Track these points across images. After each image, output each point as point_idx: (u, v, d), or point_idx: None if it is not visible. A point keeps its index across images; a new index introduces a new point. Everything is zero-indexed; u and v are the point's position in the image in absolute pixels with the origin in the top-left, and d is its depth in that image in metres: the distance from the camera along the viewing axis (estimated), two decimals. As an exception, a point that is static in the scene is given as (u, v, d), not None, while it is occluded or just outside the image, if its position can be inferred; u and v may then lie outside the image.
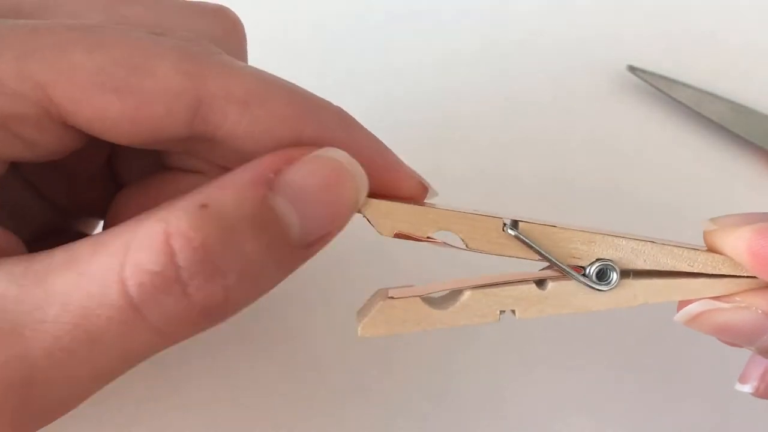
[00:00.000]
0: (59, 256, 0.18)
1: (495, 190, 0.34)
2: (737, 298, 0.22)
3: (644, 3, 0.39)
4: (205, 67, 0.19)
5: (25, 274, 0.17)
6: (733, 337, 0.22)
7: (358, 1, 0.39)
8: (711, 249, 0.22)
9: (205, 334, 0.25)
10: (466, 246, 0.21)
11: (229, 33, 0.23)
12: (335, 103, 0.21)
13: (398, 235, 0.21)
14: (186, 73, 0.19)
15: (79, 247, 0.18)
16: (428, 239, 0.21)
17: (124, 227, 0.18)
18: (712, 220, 0.22)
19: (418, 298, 0.20)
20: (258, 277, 0.18)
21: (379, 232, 0.20)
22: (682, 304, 0.22)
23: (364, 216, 0.20)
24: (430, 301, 0.21)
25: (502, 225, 0.21)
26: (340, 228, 0.20)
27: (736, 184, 0.35)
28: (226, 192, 0.18)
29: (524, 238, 0.21)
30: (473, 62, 0.37)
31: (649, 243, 0.21)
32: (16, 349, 0.17)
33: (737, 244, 0.21)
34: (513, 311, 0.21)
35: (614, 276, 0.21)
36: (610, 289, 0.21)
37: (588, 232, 0.21)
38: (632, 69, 0.36)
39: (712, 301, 0.22)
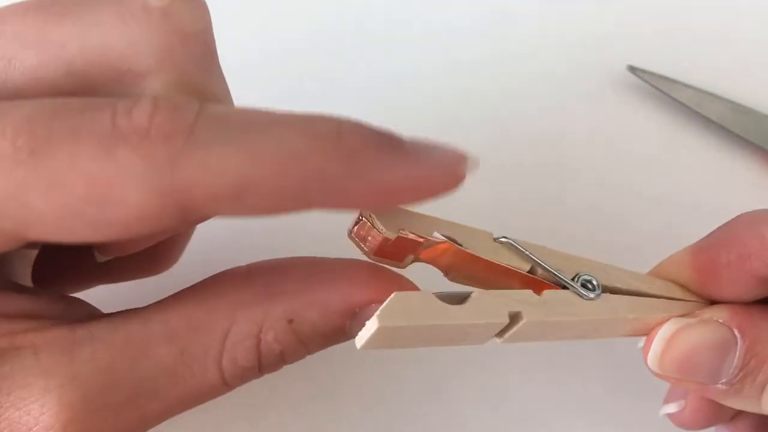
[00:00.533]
0: (156, 328, 0.20)
1: (495, 190, 0.34)
2: (698, 313, 0.23)
3: (644, 3, 0.39)
4: (178, 168, 0.16)
5: (128, 345, 0.19)
6: (702, 363, 0.22)
7: (360, 4, 0.39)
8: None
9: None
10: (463, 246, 0.21)
11: (186, 40, 0.20)
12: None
13: (401, 235, 0.21)
14: (159, 193, 0.16)
15: (175, 320, 0.20)
16: (433, 239, 0.21)
17: (216, 309, 0.20)
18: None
19: (431, 294, 0.21)
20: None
21: (384, 231, 0.20)
22: (648, 343, 0.23)
23: (370, 215, 0.20)
24: (443, 297, 0.21)
25: (492, 237, 0.22)
26: None
27: (736, 184, 0.35)
28: (313, 313, 0.20)
29: (517, 245, 0.22)
30: (473, 63, 0.37)
31: (617, 269, 0.23)
32: (134, 416, 0.19)
33: (680, 264, 0.23)
34: (520, 313, 0.21)
35: (597, 287, 0.23)
36: (596, 296, 0.22)
37: (566, 252, 0.23)
38: (632, 69, 0.36)
39: (681, 319, 0.23)
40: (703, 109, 0.35)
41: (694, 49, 0.38)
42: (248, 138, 0.17)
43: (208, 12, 0.21)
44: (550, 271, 0.22)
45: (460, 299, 0.21)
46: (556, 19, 0.39)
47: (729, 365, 0.22)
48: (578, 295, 0.22)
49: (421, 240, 0.21)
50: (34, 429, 0.18)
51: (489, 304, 0.21)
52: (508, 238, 0.22)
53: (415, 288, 0.21)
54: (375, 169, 0.18)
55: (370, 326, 0.20)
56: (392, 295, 0.20)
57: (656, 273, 0.24)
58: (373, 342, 0.20)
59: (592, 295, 0.22)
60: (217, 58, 0.21)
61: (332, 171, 0.17)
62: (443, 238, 0.21)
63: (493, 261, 0.22)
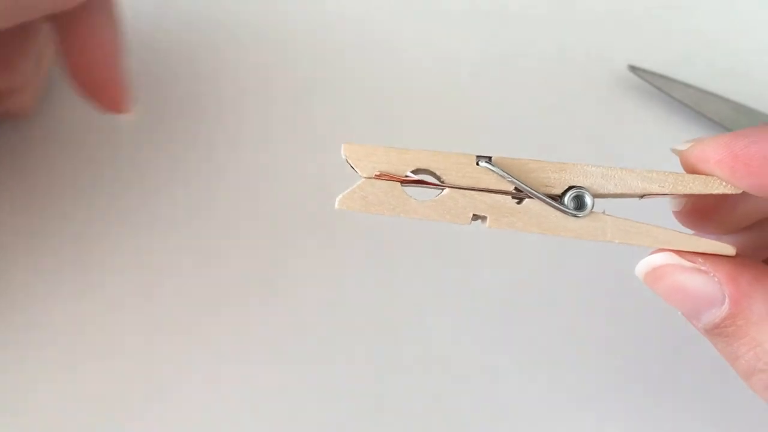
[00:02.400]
0: None
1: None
2: (699, 260, 0.22)
3: (645, 3, 0.39)
4: None
5: None
6: (682, 301, 0.22)
7: (363, 5, 0.39)
8: (685, 162, 0.23)
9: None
10: (442, 182, 0.22)
11: None
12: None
13: (379, 176, 0.22)
14: None
15: None
16: (406, 178, 0.22)
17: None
18: (685, 141, 0.23)
19: (398, 184, 0.22)
20: None
21: (360, 174, 0.22)
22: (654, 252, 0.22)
23: (346, 160, 0.22)
24: (410, 191, 0.22)
25: (476, 160, 0.22)
26: None
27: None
28: None
29: (498, 170, 0.22)
30: (474, 62, 0.37)
31: (618, 168, 0.22)
32: None
33: (716, 150, 0.21)
34: (484, 218, 0.22)
35: (588, 202, 0.22)
36: (583, 216, 0.22)
37: (558, 162, 0.22)
38: (633, 68, 0.36)
39: (675, 256, 0.22)
40: (703, 109, 0.35)
41: (694, 48, 0.38)
42: None
43: None
44: (530, 192, 0.22)
45: (429, 195, 0.22)
46: (556, 19, 0.39)
47: (708, 317, 0.22)
48: (561, 211, 0.22)
49: (398, 179, 0.22)
50: None
51: (455, 203, 0.22)
52: (488, 163, 0.22)
53: None
54: None
55: (337, 200, 0.22)
56: (360, 181, 0.22)
57: (685, 157, 0.23)
58: (345, 205, 0.22)
59: (579, 214, 0.22)
60: None
61: None
62: (416, 177, 0.22)
63: (473, 188, 0.22)
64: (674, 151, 0.23)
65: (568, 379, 0.30)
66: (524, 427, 0.29)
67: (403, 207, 0.22)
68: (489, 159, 0.22)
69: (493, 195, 0.22)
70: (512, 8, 0.39)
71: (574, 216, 0.22)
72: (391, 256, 0.32)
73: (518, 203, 0.22)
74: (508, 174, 0.22)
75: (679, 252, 0.22)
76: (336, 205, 0.22)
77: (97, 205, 0.32)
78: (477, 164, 0.22)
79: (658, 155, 0.36)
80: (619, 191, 0.22)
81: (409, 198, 0.22)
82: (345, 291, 0.31)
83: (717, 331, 0.22)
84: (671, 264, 0.22)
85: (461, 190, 0.22)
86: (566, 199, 0.22)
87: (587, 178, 0.22)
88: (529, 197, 0.22)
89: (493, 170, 0.22)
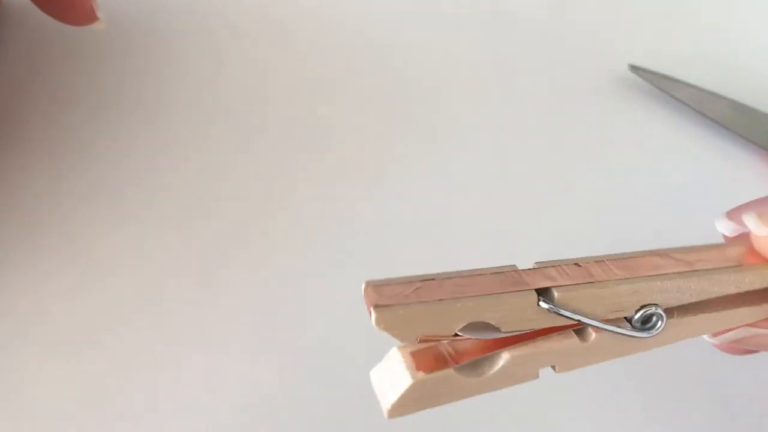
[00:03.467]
0: None
1: (495, 189, 0.34)
2: None
3: (645, 3, 0.39)
4: None
5: None
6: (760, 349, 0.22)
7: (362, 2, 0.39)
8: (759, 250, 0.21)
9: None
10: (500, 330, 0.18)
11: None
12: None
13: (424, 340, 0.18)
14: None
15: None
16: (455, 337, 0.18)
17: None
18: (760, 216, 0.22)
19: (451, 371, 0.18)
20: None
21: (402, 342, 0.18)
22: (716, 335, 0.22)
23: (381, 330, 0.18)
24: (464, 370, 0.19)
25: (536, 300, 0.18)
26: None
27: (737, 184, 0.35)
28: None
29: (563, 312, 0.19)
30: (474, 62, 0.37)
31: (694, 278, 0.20)
32: None
33: None
34: (553, 366, 0.20)
35: (659, 323, 0.20)
36: (656, 333, 0.20)
37: (630, 281, 0.19)
38: (633, 68, 0.36)
39: (750, 329, 0.22)
40: (704, 109, 0.35)
41: (695, 48, 0.38)
42: None
43: None
44: (602, 328, 0.19)
45: (486, 365, 0.19)
46: (557, 19, 0.39)
47: None
48: (635, 338, 0.20)
49: (445, 338, 0.18)
50: None
51: (520, 368, 0.19)
52: (551, 303, 0.18)
53: None
54: None
55: (385, 411, 0.18)
56: (407, 385, 0.18)
57: (757, 243, 0.22)
58: (397, 414, 0.18)
59: (648, 335, 0.20)
60: None
61: None
62: (467, 336, 0.18)
63: (534, 330, 0.19)
64: (734, 218, 0.23)
65: (568, 380, 0.30)
66: (523, 427, 0.29)
67: (462, 391, 0.19)
68: (550, 295, 0.19)
69: (556, 342, 0.19)
70: (513, 8, 0.39)
71: (646, 338, 0.20)
72: (390, 254, 0.32)
73: (584, 341, 0.20)
74: (573, 314, 0.19)
75: (752, 324, 0.22)
76: (386, 417, 0.18)
77: (94, 204, 0.32)
78: (538, 305, 0.18)
79: (658, 154, 0.36)
80: (694, 300, 0.20)
81: (468, 379, 0.18)
82: (344, 291, 0.31)
83: None
84: (748, 336, 0.22)
85: (521, 350, 0.19)
86: (636, 318, 0.20)
87: (662, 294, 0.20)
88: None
89: (555, 312, 0.18)
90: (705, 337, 0.23)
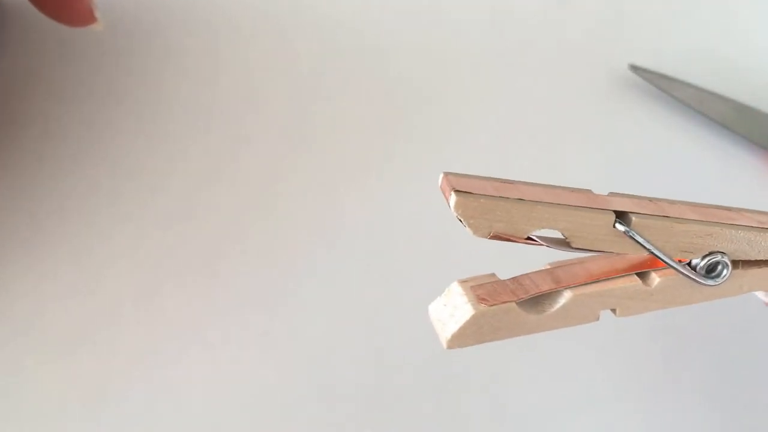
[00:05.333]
0: None
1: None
2: None
3: (646, 2, 0.39)
4: None
5: None
6: None
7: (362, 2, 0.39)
8: None
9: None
10: (569, 245, 0.19)
11: None
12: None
13: (495, 237, 0.18)
14: None
15: None
16: (527, 240, 0.19)
17: None
18: None
19: (513, 304, 0.19)
20: None
21: (473, 234, 0.18)
22: None
23: (457, 215, 0.18)
24: (525, 305, 0.19)
25: (613, 222, 0.19)
26: None
27: (738, 184, 0.35)
28: None
29: (637, 237, 0.19)
30: (473, 62, 0.37)
31: (764, 232, 0.20)
32: None
33: None
34: (613, 310, 0.20)
35: (725, 271, 0.20)
36: (721, 282, 0.20)
37: (705, 223, 0.19)
38: (633, 68, 0.36)
39: None
40: (704, 108, 0.35)
41: (695, 47, 0.38)
42: None
43: None
44: (672, 266, 0.19)
45: (547, 302, 0.19)
46: (557, 18, 0.39)
47: None
48: (700, 283, 0.20)
49: (517, 240, 0.19)
50: None
51: (581, 307, 0.19)
52: (627, 226, 0.19)
53: None
54: None
55: (444, 342, 0.18)
56: (468, 315, 0.18)
57: None
58: (456, 345, 0.19)
59: (713, 282, 0.20)
60: None
61: None
62: (539, 241, 0.19)
63: (600, 251, 0.19)
64: None
65: (568, 379, 0.30)
66: (524, 427, 0.29)
67: (522, 327, 0.19)
68: (628, 218, 0.19)
69: (618, 284, 0.19)
70: (512, 8, 0.39)
71: (710, 285, 0.20)
72: (391, 254, 0.32)
73: (647, 284, 0.20)
74: (647, 242, 0.19)
75: None
76: (445, 346, 0.19)
77: (93, 204, 0.32)
78: (614, 226, 0.19)
79: (658, 154, 0.36)
80: (761, 257, 0.20)
81: (529, 315, 0.19)
82: (346, 289, 0.31)
83: None
84: None
85: (583, 289, 0.19)
86: (701, 264, 0.20)
87: (732, 243, 0.20)
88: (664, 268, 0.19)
89: (631, 236, 0.19)
90: (760, 295, 0.22)
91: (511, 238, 0.18)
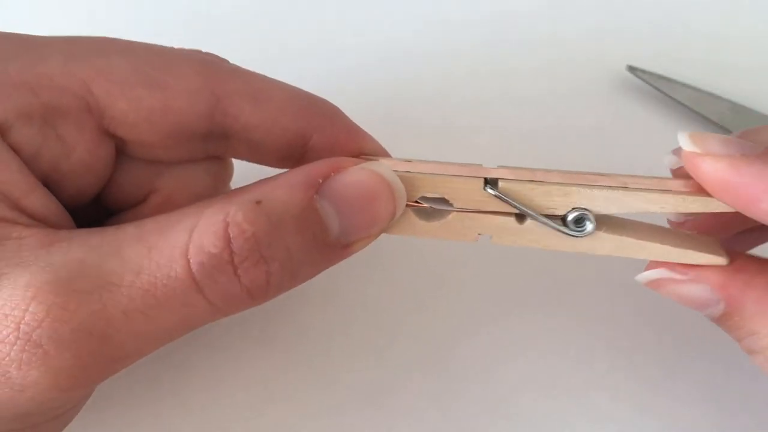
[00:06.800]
0: (130, 231, 0.21)
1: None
2: (691, 273, 0.23)
3: (644, 3, 0.40)
4: (218, 70, 0.24)
5: (101, 245, 0.20)
6: (683, 303, 0.24)
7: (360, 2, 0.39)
8: (687, 166, 0.22)
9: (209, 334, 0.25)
10: (452, 206, 0.23)
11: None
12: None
13: None
14: (202, 74, 0.23)
15: (148, 225, 0.21)
16: (416, 203, 0.23)
17: (186, 213, 0.21)
18: (692, 137, 0.22)
19: (409, 210, 0.23)
20: (297, 268, 0.21)
21: None
22: (650, 266, 0.24)
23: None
24: (418, 212, 0.23)
25: (483, 184, 0.23)
26: (377, 234, 0.22)
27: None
28: (279, 191, 0.21)
29: (504, 197, 0.23)
30: (473, 62, 0.37)
31: (621, 190, 0.23)
32: (96, 306, 0.19)
33: (716, 176, 0.22)
34: (490, 236, 0.23)
35: (589, 225, 0.23)
36: (583, 236, 0.23)
37: (564, 184, 0.23)
38: (632, 69, 0.36)
39: (668, 272, 0.24)
40: (702, 109, 0.35)
41: (693, 49, 0.38)
42: (261, 74, 0.25)
43: None
44: (534, 217, 0.23)
45: (437, 216, 0.23)
46: (555, 19, 0.39)
47: (708, 314, 0.24)
48: (562, 233, 0.23)
49: (408, 204, 0.23)
50: (24, 319, 0.19)
51: (461, 225, 0.23)
52: (494, 189, 0.23)
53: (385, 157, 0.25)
54: None
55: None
56: None
57: (688, 159, 0.22)
58: None
59: (577, 235, 0.23)
60: None
61: None
62: (425, 204, 0.23)
63: (479, 211, 0.23)
64: (678, 152, 0.24)
65: (568, 379, 0.30)
66: (524, 427, 0.29)
67: (413, 229, 0.23)
68: (495, 184, 0.23)
69: (497, 217, 0.23)
70: (512, 9, 0.39)
71: (575, 237, 0.23)
72: (391, 254, 0.32)
73: (520, 223, 0.23)
74: (512, 200, 0.23)
75: (672, 266, 0.23)
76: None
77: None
78: (484, 189, 0.23)
79: (657, 155, 0.36)
80: (621, 212, 0.23)
81: (418, 220, 0.23)
82: (342, 288, 0.31)
83: (718, 322, 0.24)
84: (666, 278, 0.24)
85: (467, 213, 0.23)
86: (569, 218, 0.23)
87: (591, 201, 0.23)
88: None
89: (498, 197, 0.23)
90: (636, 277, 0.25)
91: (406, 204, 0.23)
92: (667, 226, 0.26)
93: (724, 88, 0.36)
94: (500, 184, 0.23)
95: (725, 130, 0.35)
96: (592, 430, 0.29)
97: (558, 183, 0.23)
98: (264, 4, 0.39)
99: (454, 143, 0.35)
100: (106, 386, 0.24)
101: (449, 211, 0.23)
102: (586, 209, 0.23)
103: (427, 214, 0.23)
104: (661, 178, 0.23)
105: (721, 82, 0.36)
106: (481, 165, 0.23)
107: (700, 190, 0.22)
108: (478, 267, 0.32)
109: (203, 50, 0.25)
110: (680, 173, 0.24)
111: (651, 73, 0.36)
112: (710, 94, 0.36)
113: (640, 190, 0.23)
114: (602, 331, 0.31)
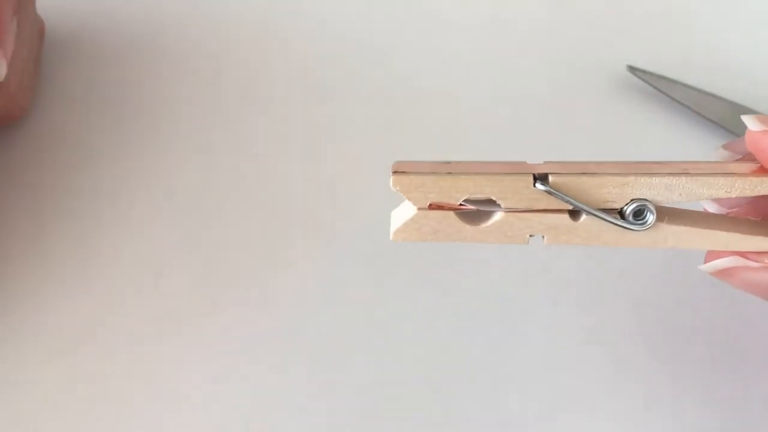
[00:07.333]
0: None
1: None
2: (766, 260, 0.22)
3: (644, 3, 0.40)
4: None
5: None
6: (757, 292, 0.22)
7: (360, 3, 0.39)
8: (753, 147, 0.21)
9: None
10: (501, 207, 0.21)
11: None
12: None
13: (432, 207, 0.21)
14: None
15: None
16: (461, 206, 0.21)
17: None
18: (759, 118, 0.22)
19: (452, 212, 0.21)
20: None
21: (414, 205, 0.21)
22: (711, 255, 0.23)
23: (397, 192, 0.21)
24: (463, 216, 0.22)
25: (532, 181, 0.21)
26: None
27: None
28: None
29: (557, 193, 0.21)
30: (474, 62, 0.37)
31: (683, 176, 0.21)
32: None
33: None
34: (542, 236, 0.22)
35: (650, 217, 0.21)
36: (644, 229, 0.21)
37: (619, 175, 0.21)
38: (632, 69, 0.36)
39: (740, 258, 0.22)
40: (702, 109, 0.35)
41: (693, 49, 0.38)
42: None
43: None
44: (592, 213, 0.21)
45: (483, 217, 0.22)
46: (555, 19, 0.39)
47: None
48: (621, 227, 0.21)
49: (452, 208, 0.21)
50: None
51: (511, 227, 0.21)
52: (545, 185, 0.21)
53: None
54: None
55: (391, 234, 0.22)
56: (412, 213, 0.21)
57: (752, 140, 0.22)
58: (400, 238, 0.22)
59: (638, 228, 0.21)
60: None
61: None
62: (468, 206, 0.21)
63: (530, 210, 0.21)
64: (729, 146, 0.23)
65: (568, 380, 0.30)
66: (524, 427, 0.29)
67: (458, 234, 0.22)
68: (546, 179, 0.21)
69: (549, 215, 0.22)
70: (512, 10, 0.39)
71: (635, 231, 0.21)
72: (392, 253, 0.32)
73: (575, 220, 0.22)
74: (566, 196, 0.21)
75: (744, 253, 0.22)
76: (391, 238, 0.22)
77: (94, 204, 0.32)
78: (534, 185, 0.21)
79: (657, 155, 0.36)
80: (684, 200, 0.21)
81: (464, 224, 0.22)
82: (344, 290, 0.31)
83: None
84: (737, 267, 0.22)
85: (517, 213, 0.21)
86: (628, 211, 0.21)
87: (650, 190, 0.21)
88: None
89: (551, 192, 0.21)
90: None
91: (446, 206, 0.21)
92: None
93: (725, 89, 0.36)
94: (551, 179, 0.21)
95: (725, 131, 0.35)
96: (594, 429, 0.29)
97: (614, 173, 0.21)
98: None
99: (454, 143, 0.35)
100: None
101: (496, 213, 0.22)
102: (646, 200, 0.21)
103: (474, 218, 0.22)
104: (720, 162, 0.22)
105: (722, 83, 0.36)
106: (525, 162, 0.22)
107: (766, 173, 0.21)
108: (480, 267, 0.32)
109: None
110: (738, 160, 0.23)
111: (651, 73, 0.36)
112: (711, 95, 0.36)
113: (703, 174, 0.21)
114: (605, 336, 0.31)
